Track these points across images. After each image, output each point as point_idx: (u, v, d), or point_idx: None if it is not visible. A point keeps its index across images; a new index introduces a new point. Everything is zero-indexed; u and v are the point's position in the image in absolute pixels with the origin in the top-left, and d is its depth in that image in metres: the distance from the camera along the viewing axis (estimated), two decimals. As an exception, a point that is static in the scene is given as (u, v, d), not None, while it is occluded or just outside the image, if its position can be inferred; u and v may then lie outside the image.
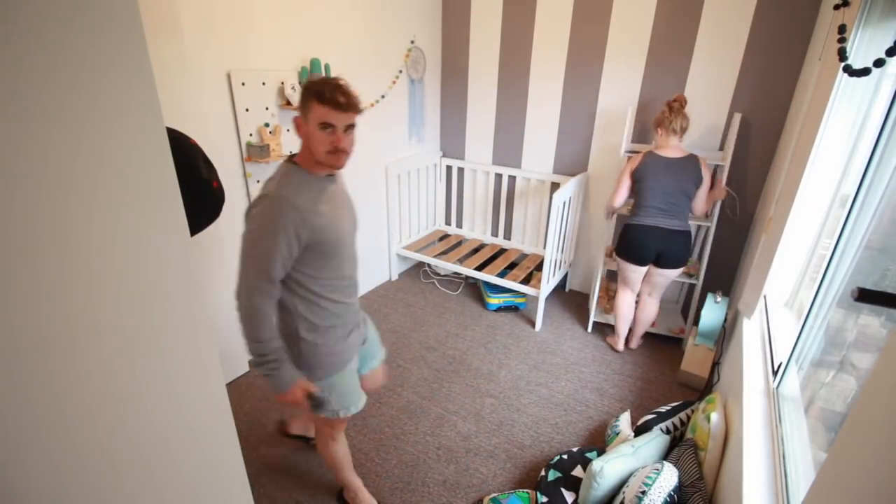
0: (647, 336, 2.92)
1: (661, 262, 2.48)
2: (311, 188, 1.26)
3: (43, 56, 0.47)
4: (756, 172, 2.65)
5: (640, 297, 2.71)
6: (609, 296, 3.22)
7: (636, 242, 2.49)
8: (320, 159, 1.23)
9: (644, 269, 2.56)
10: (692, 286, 2.91)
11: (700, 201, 2.43)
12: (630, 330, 2.81)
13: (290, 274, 1.29)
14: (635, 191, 2.50)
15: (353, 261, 1.44)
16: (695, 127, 2.75)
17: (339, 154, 1.23)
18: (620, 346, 2.80)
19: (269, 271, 1.22)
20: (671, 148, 2.41)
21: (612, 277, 3.33)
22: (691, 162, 2.37)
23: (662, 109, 2.42)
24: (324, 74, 2.49)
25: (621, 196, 2.51)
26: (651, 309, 2.69)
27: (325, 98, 1.17)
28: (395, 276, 3.67)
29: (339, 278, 1.38)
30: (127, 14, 0.53)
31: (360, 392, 1.55)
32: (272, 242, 1.20)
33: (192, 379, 0.72)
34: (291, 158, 1.30)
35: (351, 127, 1.24)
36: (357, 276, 1.47)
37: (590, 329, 2.99)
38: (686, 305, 3.15)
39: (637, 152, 2.70)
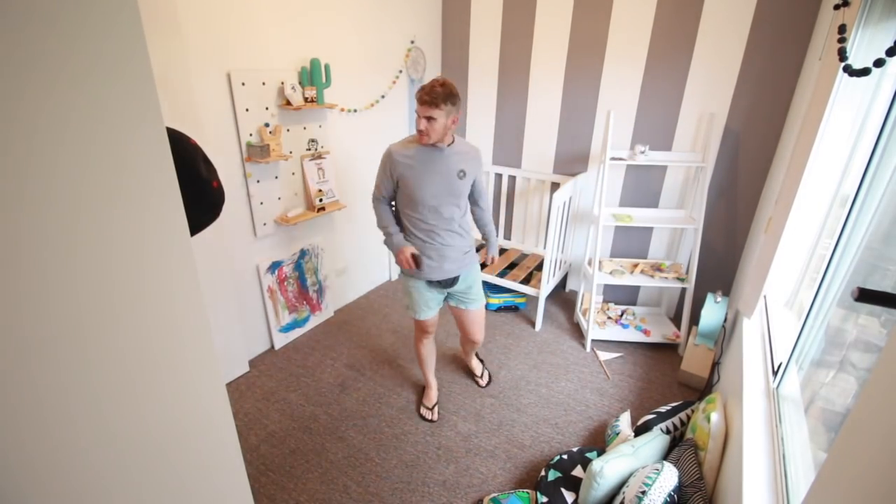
0: (644, 343, 2.91)
1: None
2: (415, 148, 1.85)
3: (40, 56, 0.47)
4: (756, 172, 2.65)
5: None
6: (604, 309, 3.17)
7: None
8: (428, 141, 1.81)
9: None
10: (682, 290, 2.81)
11: None
12: None
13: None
14: None
15: (433, 211, 1.89)
16: (694, 127, 2.75)
17: (421, 134, 1.78)
18: None
19: (380, 189, 1.95)
20: None
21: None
22: None
23: None
24: (324, 74, 2.49)
25: None
26: None
27: (418, 98, 1.74)
28: (395, 276, 3.67)
29: (413, 215, 1.91)
30: (126, 13, 0.53)
31: (426, 309, 2.07)
32: (379, 171, 1.93)
33: (192, 379, 0.72)
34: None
35: (430, 119, 1.73)
36: (435, 223, 1.91)
37: (588, 349, 2.84)
38: (679, 310, 3.15)
39: (622, 159, 2.70)
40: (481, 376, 2.55)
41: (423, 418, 2.29)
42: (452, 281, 2.02)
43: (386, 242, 1.99)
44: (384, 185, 1.92)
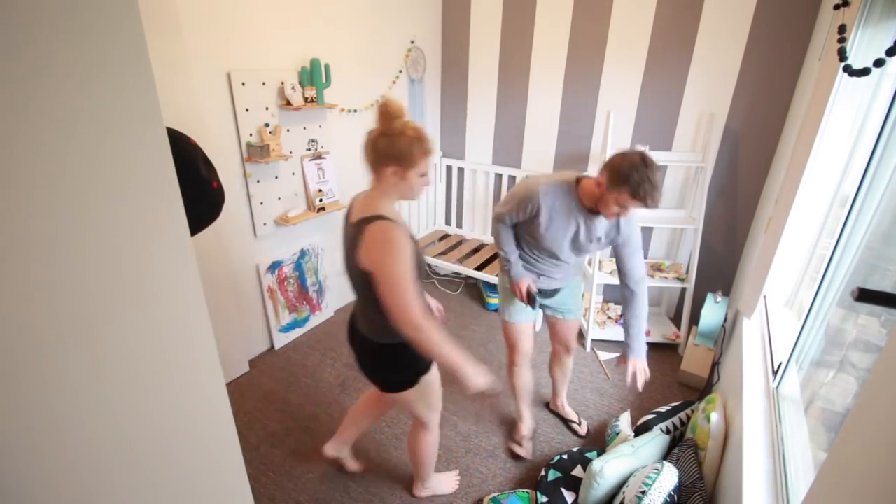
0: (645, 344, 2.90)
1: None
2: (562, 191, 1.65)
3: (40, 55, 0.47)
4: (756, 172, 2.65)
5: None
6: (604, 309, 3.16)
7: None
8: (593, 207, 1.62)
9: None
10: (682, 290, 2.84)
11: None
12: None
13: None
14: None
15: (552, 254, 1.77)
16: (694, 127, 2.75)
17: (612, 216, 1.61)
18: None
19: (509, 214, 1.74)
20: None
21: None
22: None
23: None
24: (324, 74, 2.48)
25: None
26: None
27: (638, 195, 1.43)
28: (395, 276, 3.67)
29: (534, 247, 1.79)
30: (126, 13, 0.53)
31: (519, 313, 1.94)
32: (513, 201, 1.71)
33: (192, 379, 0.72)
34: (579, 179, 1.66)
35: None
36: (550, 259, 1.81)
37: (588, 349, 2.85)
38: (679, 310, 3.15)
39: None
40: (580, 423, 2.26)
41: (513, 454, 2.10)
42: (553, 292, 1.93)
43: (505, 268, 1.85)
44: (514, 216, 1.72)
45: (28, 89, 0.47)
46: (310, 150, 2.65)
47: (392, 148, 1.25)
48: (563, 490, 1.81)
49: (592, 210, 1.63)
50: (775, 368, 1.59)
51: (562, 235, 1.69)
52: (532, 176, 1.73)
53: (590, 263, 2.96)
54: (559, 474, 1.88)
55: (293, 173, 2.59)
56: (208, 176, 1.31)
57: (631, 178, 1.42)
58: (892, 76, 1.44)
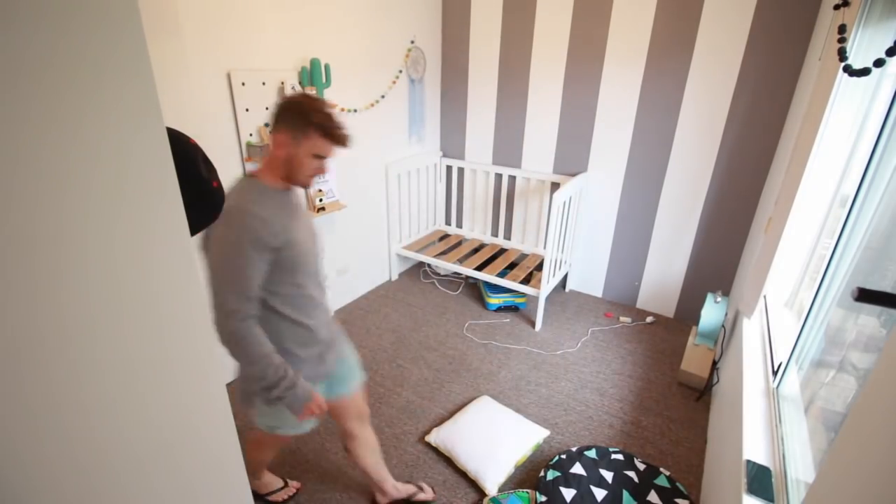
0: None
1: None
2: (273, 200, 1.20)
3: (40, 55, 0.47)
4: (755, 172, 2.65)
5: None
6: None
7: None
8: (301, 181, 1.24)
9: None
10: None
11: None
12: None
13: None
14: None
15: (315, 278, 1.32)
16: (694, 127, 2.75)
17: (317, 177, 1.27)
18: None
19: (248, 291, 1.12)
20: None
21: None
22: None
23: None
24: (324, 74, 2.48)
25: None
26: None
27: (331, 135, 1.20)
28: (395, 276, 3.67)
29: (299, 295, 1.27)
30: (126, 13, 0.53)
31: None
32: (244, 258, 1.11)
33: (192, 379, 0.72)
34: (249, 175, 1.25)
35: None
36: (321, 297, 1.35)
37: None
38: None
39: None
40: (423, 489, 1.86)
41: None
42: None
43: (287, 392, 1.20)
44: (255, 279, 1.14)
45: (28, 89, 0.47)
46: (310, 150, 2.64)
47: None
48: (562, 489, 1.81)
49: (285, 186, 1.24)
50: (775, 368, 1.59)
51: (308, 237, 1.28)
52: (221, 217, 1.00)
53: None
54: (558, 474, 1.88)
55: (293, 173, 2.59)
56: (208, 176, 1.31)
57: (318, 123, 1.18)
58: (892, 76, 1.44)
